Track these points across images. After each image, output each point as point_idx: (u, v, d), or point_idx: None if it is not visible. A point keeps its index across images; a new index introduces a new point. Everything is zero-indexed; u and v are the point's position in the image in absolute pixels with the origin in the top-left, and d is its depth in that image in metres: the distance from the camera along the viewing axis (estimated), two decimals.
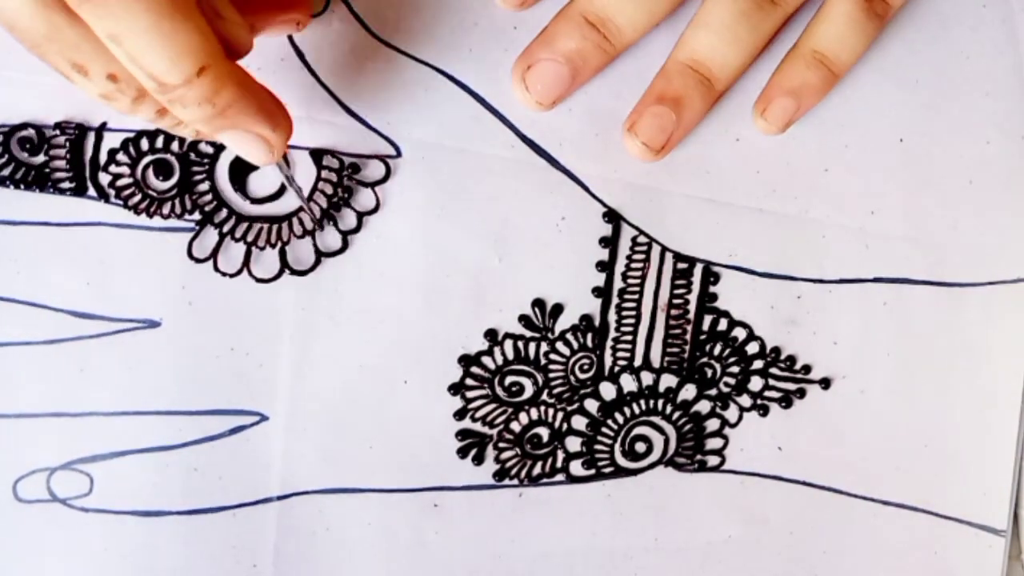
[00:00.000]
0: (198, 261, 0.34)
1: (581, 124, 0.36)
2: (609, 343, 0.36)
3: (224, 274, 0.34)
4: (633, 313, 0.36)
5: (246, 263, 0.34)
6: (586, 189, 0.36)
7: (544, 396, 0.36)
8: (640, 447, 0.37)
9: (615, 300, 0.36)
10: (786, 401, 0.37)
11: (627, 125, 0.35)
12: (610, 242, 0.36)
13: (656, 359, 0.37)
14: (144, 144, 0.34)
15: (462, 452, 0.36)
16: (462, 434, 0.36)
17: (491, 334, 0.36)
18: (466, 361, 0.35)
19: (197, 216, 0.34)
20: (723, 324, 0.37)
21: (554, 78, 0.34)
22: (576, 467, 0.36)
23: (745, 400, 0.37)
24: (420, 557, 0.36)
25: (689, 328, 0.37)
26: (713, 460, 0.37)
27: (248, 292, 0.34)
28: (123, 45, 0.24)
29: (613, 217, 0.36)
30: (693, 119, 0.35)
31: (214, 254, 0.34)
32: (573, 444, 0.36)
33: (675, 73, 0.34)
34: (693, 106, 0.34)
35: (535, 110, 0.35)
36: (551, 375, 0.36)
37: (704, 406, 0.37)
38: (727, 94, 0.36)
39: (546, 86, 0.34)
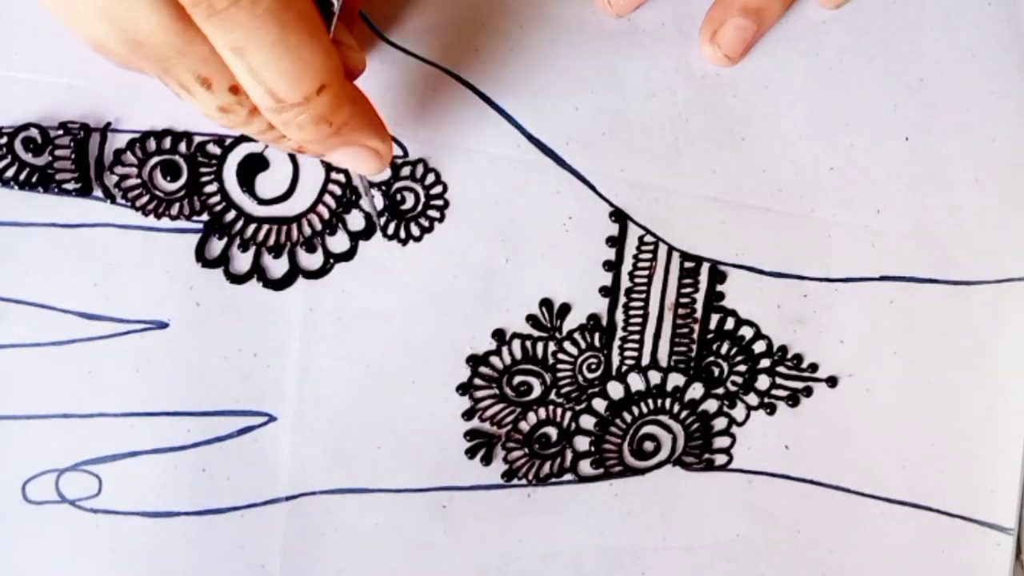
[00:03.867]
0: (208, 264, 0.34)
1: (587, 123, 0.36)
2: (616, 342, 0.36)
3: (234, 276, 0.34)
4: (640, 312, 0.36)
5: (255, 265, 0.34)
6: (593, 189, 0.36)
7: (552, 396, 0.36)
8: (648, 446, 0.37)
9: (622, 299, 0.36)
10: (793, 400, 0.37)
11: (707, 35, 0.35)
12: (617, 241, 0.36)
13: (663, 358, 0.37)
14: (151, 144, 0.34)
15: (470, 452, 0.36)
16: (470, 434, 0.36)
17: (499, 334, 0.36)
18: (474, 361, 0.35)
19: (205, 217, 0.34)
20: (730, 323, 0.37)
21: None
22: (584, 466, 0.37)
23: (752, 399, 0.37)
24: (428, 557, 0.36)
25: (696, 327, 0.37)
26: (720, 459, 0.37)
27: (256, 293, 0.34)
28: (247, 58, 0.23)
29: (620, 216, 0.36)
30: (771, 26, 0.36)
31: (224, 256, 0.34)
32: (581, 443, 0.36)
33: None
34: (773, 15, 0.35)
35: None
36: (559, 375, 0.36)
37: (711, 405, 0.37)
38: (732, 96, 0.36)
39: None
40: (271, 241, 0.34)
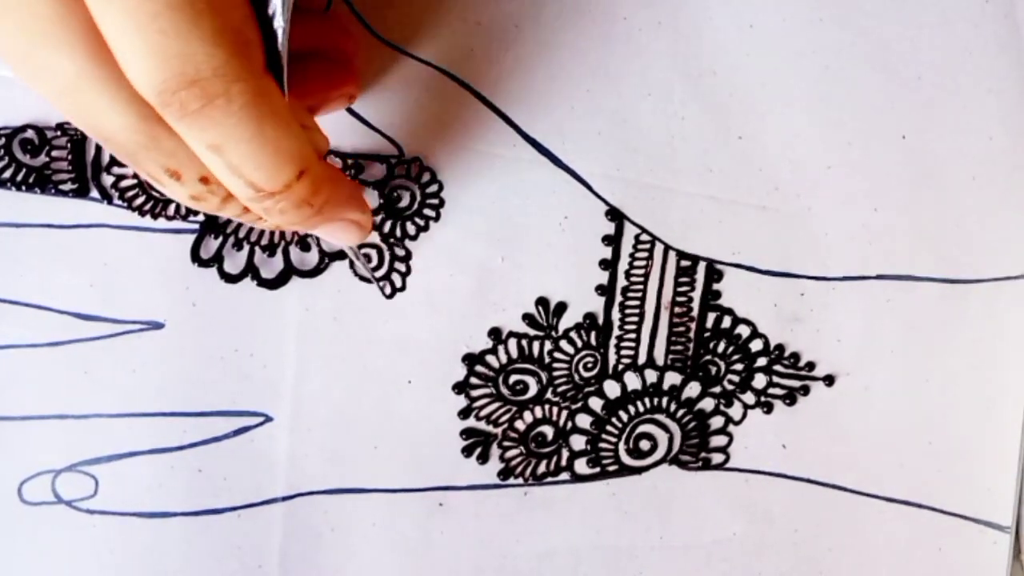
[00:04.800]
0: (203, 264, 0.34)
1: (583, 122, 0.35)
2: (613, 341, 0.36)
3: (229, 276, 0.34)
4: (636, 311, 0.36)
5: (250, 264, 0.34)
6: (589, 188, 0.36)
7: (548, 394, 0.36)
8: (644, 445, 0.37)
9: (618, 298, 0.36)
10: (790, 398, 0.37)
11: None
12: (613, 240, 0.36)
13: (660, 357, 0.37)
14: None
15: (467, 451, 0.36)
16: (467, 433, 0.36)
17: (495, 333, 0.36)
18: (470, 360, 0.35)
19: (201, 217, 0.34)
20: (727, 322, 0.37)
21: None
22: (581, 465, 0.36)
23: (749, 397, 0.37)
24: (425, 557, 0.36)
25: (693, 326, 0.37)
26: (717, 458, 0.37)
27: (252, 293, 0.34)
28: (225, 155, 0.23)
29: (616, 215, 0.36)
30: None
31: (218, 256, 0.34)
32: (578, 442, 0.36)
33: None
34: None
35: None
36: (555, 373, 0.36)
37: (708, 404, 0.37)
38: (729, 95, 0.36)
39: None
40: (265, 240, 0.34)
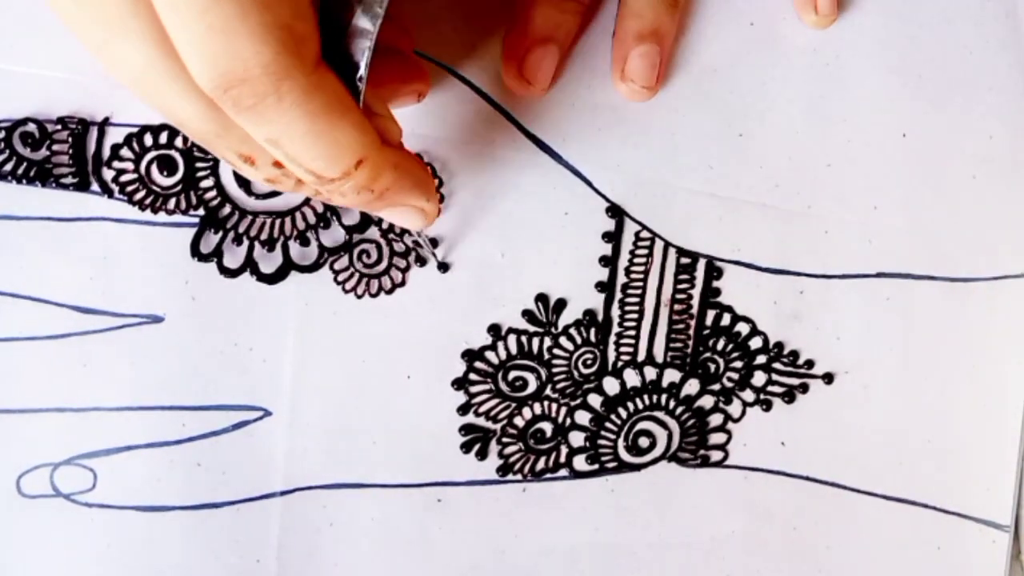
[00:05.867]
0: (203, 258, 0.34)
1: (584, 119, 0.36)
2: (612, 338, 0.36)
3: (228, 270, 0.34)
4: (636, 308, 0.36)
5: (249, 259, 0.34)
6: (589, 184, 0.36)
7: (547, 391, 0.36)
8: (643, 442, 0.37)
9: (618, 295, 0.36)
10: (789, 396, 0.37)
11: (617, 75, 0.35)
12: (613, 237, 0.36)
13: (659, 354, 0.36)
14: (148, 139, 0.34)
15: (465, 447, 0.36)
16: (465, 429, 0.36)
17: (494, 329, 0.36)
18: (469, 356, 0.35)
19: (201, 212, 0.34)
20: (726, 319, 0.37)
21: (549, 61, 0.34)
22: (579, 462, 0.36)
23: (748, 395, 0.37)
24: (423, 552, 0.36)
25: (692, 323, 0.37)
26: (716, 455, 0.37)
27: (251, 287, 0.34)
28: (282, 148, 0.24)
29: (616, 212, 0.36)
30: (673, 43, 0.36)
31: (218, 251, 0.34)
32: (576, 439, 0.36)
33: (644, 6, 0.34)
34: (670, 31, 0.35)
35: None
36: (554, 370, 0.36)
37: (707, 401, 0.37)
38: (729, 92, 0.36)
39: (544, 72, 0.34)
40: (264, 235, 0.34)
